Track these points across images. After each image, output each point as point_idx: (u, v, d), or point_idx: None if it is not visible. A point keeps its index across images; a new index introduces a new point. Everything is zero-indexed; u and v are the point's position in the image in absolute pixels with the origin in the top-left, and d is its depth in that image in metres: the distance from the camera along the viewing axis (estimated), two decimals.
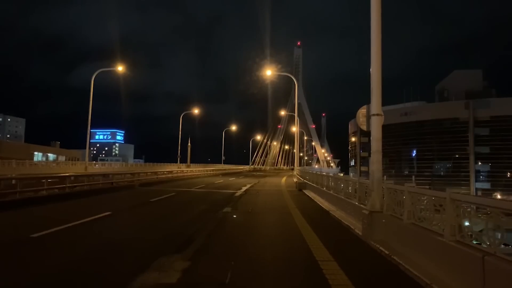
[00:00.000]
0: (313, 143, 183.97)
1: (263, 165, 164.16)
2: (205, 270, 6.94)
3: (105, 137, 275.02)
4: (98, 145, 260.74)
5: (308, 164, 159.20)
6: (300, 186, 28.28)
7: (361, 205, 11.16)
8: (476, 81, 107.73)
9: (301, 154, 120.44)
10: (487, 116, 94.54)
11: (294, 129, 61.93)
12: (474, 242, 5.53)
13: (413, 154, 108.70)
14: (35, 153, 76.99)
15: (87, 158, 39.91)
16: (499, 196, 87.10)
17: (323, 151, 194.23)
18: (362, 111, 10.85)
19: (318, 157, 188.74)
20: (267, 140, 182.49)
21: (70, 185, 20.83)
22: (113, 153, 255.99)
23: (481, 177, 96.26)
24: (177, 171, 47.64)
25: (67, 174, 21.96)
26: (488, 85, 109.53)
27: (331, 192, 17.43)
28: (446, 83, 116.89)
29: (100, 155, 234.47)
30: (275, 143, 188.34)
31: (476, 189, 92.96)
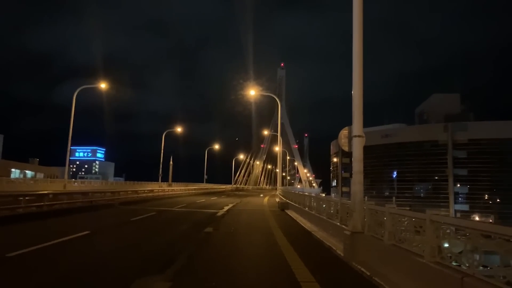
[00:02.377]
0: (296, 163, 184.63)
1: (245, 184, 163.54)
2: None
3: (85, 154, 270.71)
4: (78, 162, 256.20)
5: (291, 184, 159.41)
6: (283, 206, 28.24)
7: (343, 226, 11.22)
8: (454, 104, 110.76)
9: (284, 174, 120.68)
10: (465, 139, 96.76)
11: (277, 148, 62.14)
12: (454, 264, 5.60)
13: (394, 175, 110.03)
14: (13, 170, 75.09)
15: (66, 176, 39.13)
16: (477, 218, 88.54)
17: (305, 171, 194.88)
18: (344, 132, 11.02)
19: (300, 177, 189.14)
20: (250, 160, 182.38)
21: (48, 203, 20.33)
22: (93, 171, 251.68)
23: (460, 199, 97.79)
24: (158, 190, 47.06)
25: (45, 192, 21.43)
26: (466, 109, 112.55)
27: (313, 212, 17.47)
28: (426, 106, 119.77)
29: (80, 173, 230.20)
30: (258, 163, 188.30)
31: (455, 211, 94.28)
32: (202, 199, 41.59)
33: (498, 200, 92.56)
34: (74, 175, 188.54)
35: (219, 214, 23.61)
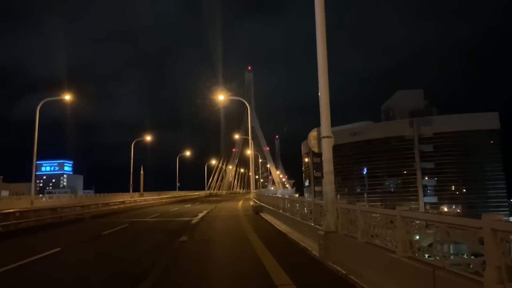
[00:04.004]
0: (268, 165, 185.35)
1: (219, 189, 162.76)
2: None
3: (52, 168, 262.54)
4: (45, 177, 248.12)
5: (264, 186, 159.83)
6: (257, 209, 28.27)
7: (317, 226, 11.33)
8: (418, 100, 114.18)
9: (257, 177, 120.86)
10: (430, 133, 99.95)
11: (249, 152, 62.23)
12: (426, 256, 5.76)
13: (364, 172, 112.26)
14: None
15: (33, 192, 37.78)
16: (445, 209, 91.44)
17: (278, 172, 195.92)
18: (313, 133, 11.15)
19: (273, 179, 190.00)
20: (222, 164, 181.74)
21: (15, 222, 19.60)
22: (61, 185, 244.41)
23: (428, 191, 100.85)
24: (130, 201, 46.15)
25: (11, 211, 20.62)
26: (429, 104, 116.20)
27: (288, 214, 17.57)
28: (391, 103, 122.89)
29: (47, 187, 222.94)
30: (230, 167, 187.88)
31: (425, 203, 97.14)
32: (175, 208, 41.08)
33: (464, 191, 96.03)
34: (41, 190, 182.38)
35: (193, 221, 23.38)
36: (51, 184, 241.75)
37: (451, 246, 5.26)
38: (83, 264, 10.86)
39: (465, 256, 4.75)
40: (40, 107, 35.62)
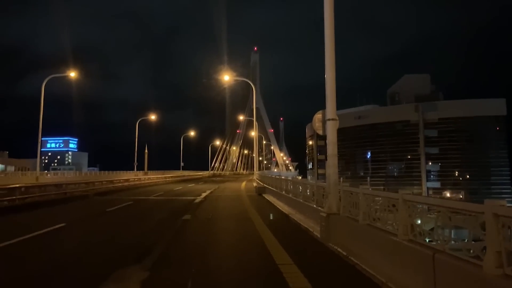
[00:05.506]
0: (272, 147, 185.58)
1: (222, 170, 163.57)
2: (165, 280, 6.84)
3: (57, 145, 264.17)
4: (50, 153, 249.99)
5: (267, 168, 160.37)
6: (260, 191, 28.44)
7: (319, 208, 11.40)
8: (425, 84, 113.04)
9: (260, 158, 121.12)
10: (435, 118, 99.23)
11: (253, 133, 62.21)
12: (427, 240, 5.80)
13: (368, 156, 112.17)
14: None
15: (38, 168, 38.16)
16: (448, 194, 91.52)
17: (281, 154, 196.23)
18: (318, 116, 11.12)
19: (277, 161, 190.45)
20: (226, 145, 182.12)
21: (21, 196, 19.83)
22: (66, 162, 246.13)
23: (431, 176, 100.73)
24: (134, 179, 46.52)
25: (17, 185, 20.84)
26: (436, 89, 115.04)
27: (290, 195, 17.66)
28: (397, 87, 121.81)
29: (52, 164, 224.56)
30: (234, 148, 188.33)
31: (428, 188, 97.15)
32: (179, 187, 41.39)
33: (467, 177, 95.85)
34: (46, 167, 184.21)
35: (196, 201, 23.59)
36: (56, 161, 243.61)
37: (452, 232, 5.28)
38: (87, 240, 11.01)
39: (465, 240, 4.78)
40: (46, 85, 35.67)
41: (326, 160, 10.66)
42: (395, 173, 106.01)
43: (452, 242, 5.21)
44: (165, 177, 59.64)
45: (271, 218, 15.37)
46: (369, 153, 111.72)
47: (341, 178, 14.44)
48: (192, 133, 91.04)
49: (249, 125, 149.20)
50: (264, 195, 26.56)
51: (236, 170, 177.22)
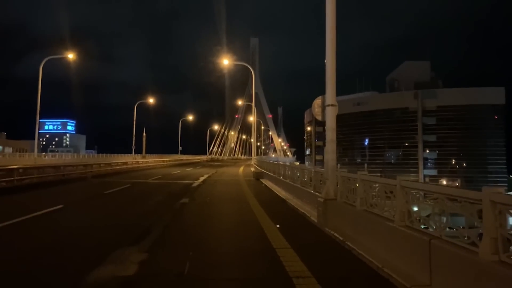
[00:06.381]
0: (270, 133, 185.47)
1: (220, 155, 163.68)
2: (162, 261, 6.90)
3: (55, 127, 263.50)
4: (47, 135, 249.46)
5: (266, 153, 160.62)
6: (258, 176, 28.53)
7: (317, 193, 11.45)
8: (424, 72, 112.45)
9: (259, 144, 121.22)
10: (434, 106, 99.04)
11: (252, 118, 62.10)
12: (422, 227, 5.84)
13: (366, 143, 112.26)
14: None
15: (36, 149, 38.02)
16: (444, 182, 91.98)
17: (280, 140, 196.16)
18: (318, 101, 11.08)
19: (275, 146, 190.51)
20: (225, 130, 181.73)
21: (19, 177, 19.88)
22: (64, 144, 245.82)
23: (429, 164, 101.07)
24: (132, 162, 46.57)
25: (14, 167, 20.84)
26: (436, 76, 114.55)
27: (288, 181, 17.72)
28: (396, 74, 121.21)
29: (50, 146, 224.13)
30: (232, 133, 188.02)
31: (424, 176, 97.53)
32: (177, 171, 41.47)
33: (464, 165, 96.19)
34: (44, 149, 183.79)
35: (194, 184, 23.66)
36: (54, 143, 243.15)
37: (449, 219, 5.32)
38: (85, 222, 11.06)
39: (462, 227, 4.81)
40: (45, 66, 35.20)
41: (325, 146, 10.67)
42: (392, 160, 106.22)
43: (447, 229, 5.26)
44: (163, 161, 59.72)
45: (269, 202, 15.43)
46: (367, 140, 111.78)
47: (338, 165, 14.44)
48: (190, 117, 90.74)
49: (247, 110, 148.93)
50: (261, 180, 26.65)
51: (234, 155, 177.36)
